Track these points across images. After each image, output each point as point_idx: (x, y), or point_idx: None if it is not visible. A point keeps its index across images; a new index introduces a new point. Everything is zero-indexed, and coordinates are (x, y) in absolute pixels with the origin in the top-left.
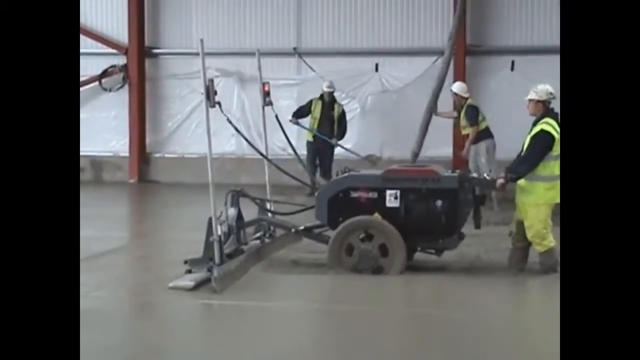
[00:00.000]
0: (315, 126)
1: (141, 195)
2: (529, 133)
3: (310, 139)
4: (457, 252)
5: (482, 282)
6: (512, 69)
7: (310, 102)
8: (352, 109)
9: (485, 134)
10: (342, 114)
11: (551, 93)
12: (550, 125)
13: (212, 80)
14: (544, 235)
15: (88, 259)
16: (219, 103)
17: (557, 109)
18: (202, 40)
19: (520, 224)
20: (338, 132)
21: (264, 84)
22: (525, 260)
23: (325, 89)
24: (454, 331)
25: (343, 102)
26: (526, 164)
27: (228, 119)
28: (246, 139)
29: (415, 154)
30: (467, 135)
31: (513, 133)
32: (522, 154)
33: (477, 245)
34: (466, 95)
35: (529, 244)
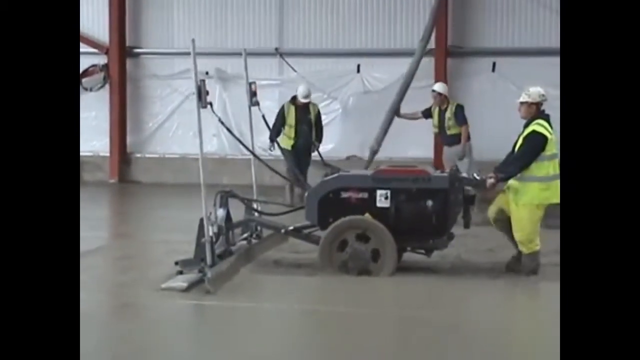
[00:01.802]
0: (293, 135)
1: (122, 195)
2: (521, 134)
3: (289, 147)
4: (438, 252)
5: (468, 284)
6: (493, 70)
7: (282, 109)
8: (333, 110)
9: (458, 138)
10: (319, 115)
11: (543, 95)
12: (542, 126)
13: (203, 81)
14: (533, 238)
15: None
16: (210, 103)
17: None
18: (193, 40)
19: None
20: (317, 136)
21: (250, 84)
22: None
23: (302, 100)
24: (442, 333)
25: (324, 103)
26: (516, 164)
27: (219, 119)
28: (238, 139)
29: (374, 152)
30: (452, 135)
31: (494, 134)
32: (514, 154)
33: (457, 246)
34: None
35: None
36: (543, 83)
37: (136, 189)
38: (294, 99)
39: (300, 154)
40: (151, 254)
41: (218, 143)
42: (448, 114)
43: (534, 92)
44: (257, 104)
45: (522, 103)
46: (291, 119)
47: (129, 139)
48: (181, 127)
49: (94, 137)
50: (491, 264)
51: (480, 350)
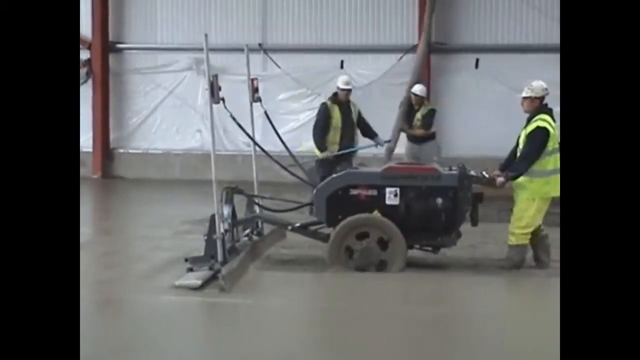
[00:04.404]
0: (338, 139)
1: (105, 191)
2: (524, 129)
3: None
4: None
5: (457, 279)
6: (476, 66)
7: (325, 109)
8: (316, 106)
9: (434, 134)
10: (361, 115)
11: (546, 89)
12: (546, 121)
13: (216, 76)
14: (525, 231)
15: None
16: (222, 99)
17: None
18: (206, 35)
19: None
20: (372, 133)
21: (252, 80)
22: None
23: (343, 86)
24: (439, 328)
25: (308, 99)
26: (525, 161)
27: (231, 115)
28: (249, 135)
29: (391, 150)
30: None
31: (477, 130)
32: (520, 151)
33: None
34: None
35: (546, 234)
36: (526, 80)
37: (119, 184)
38: (335, 97)
39: (341, 161)
40: (135, 250)
41: (202, 139)
42: (418, 115)
43: (537, 86)
44: (259, 100)
45: (525, 98)
46: (336, 120)
47: (112, 135)
48: (164, 122)
49: None
50: (474, 260)
51: (487, 345)
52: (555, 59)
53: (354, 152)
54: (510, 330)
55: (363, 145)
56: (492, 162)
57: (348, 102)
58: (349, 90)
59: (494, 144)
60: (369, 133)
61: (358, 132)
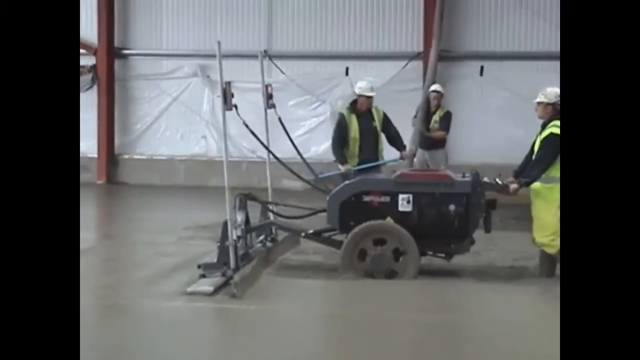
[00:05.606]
0: (358, 150)
1: (109, 196)
2: (539, 135)
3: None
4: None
5: (474, 287)
6: (481, 74)
7: (342, 119)
8: (322, 113)
9: (445, 141)
10: (386, 120)
11: (559, 95)
12: (559, 127)
13: (229, 83)
14: (555, 237)
15: None
16: (235, 106)
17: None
18: (219, 42)
19: None
20: (396, 144)
21: (267, 86)
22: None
23: (368, 93)
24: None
25: (313, 106)
26: (538, 167)
27: (244, 122)
28: (262, 143)
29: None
30: (431, 138)
31: (482, 137)
32: (534, 157)
33: None
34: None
35: None
36: (531, 87)
37: (123, 190)
38: (353, 105)
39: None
40: (139, 255)
41: (206, 145)
42: (436, 117)
43: (550, 92)
44: (273, 106)
45: (538, 103)
46: (354, 130)
47: (116, 140)
48: (169, 128)
49: (81, 138)
50: (478, 267)
51: (484, 353)
52: (559, 66)
53: (377, 166)
54: (513, 337)
55: (386, 159)
56: (496, 169)
57: (369, 109)
58: (368, 98)
59: (499, 151)
60: (396, 142)
61: (383, 139)
